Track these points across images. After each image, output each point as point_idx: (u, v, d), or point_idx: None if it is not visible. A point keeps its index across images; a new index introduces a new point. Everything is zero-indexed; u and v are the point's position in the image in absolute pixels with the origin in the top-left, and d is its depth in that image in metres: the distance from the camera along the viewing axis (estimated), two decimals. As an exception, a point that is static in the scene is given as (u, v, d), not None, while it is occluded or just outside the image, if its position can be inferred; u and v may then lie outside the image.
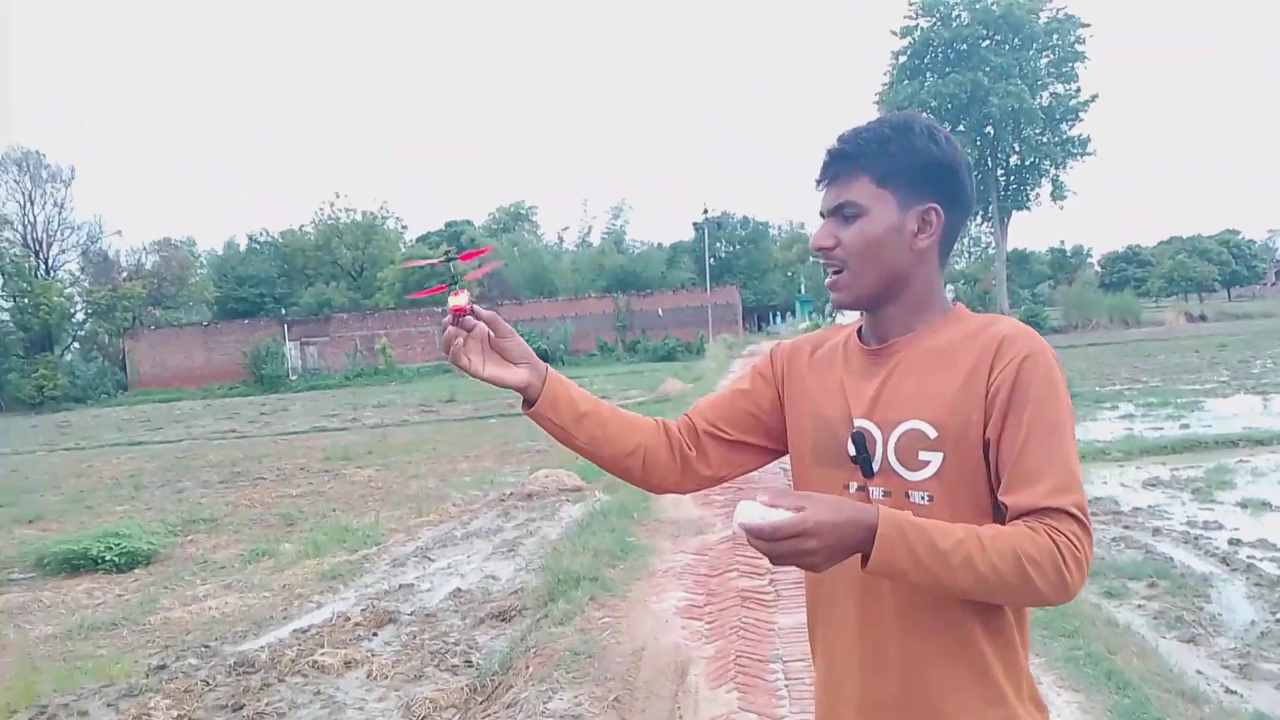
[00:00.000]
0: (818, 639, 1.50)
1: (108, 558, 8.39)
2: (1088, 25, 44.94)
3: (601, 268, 53.99)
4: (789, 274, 65.47)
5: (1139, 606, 5.39)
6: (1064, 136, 45.95)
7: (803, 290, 61.99)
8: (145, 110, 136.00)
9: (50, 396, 41.73)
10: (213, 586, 7.56)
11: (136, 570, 8.40)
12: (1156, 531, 6.92)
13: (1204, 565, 6.08)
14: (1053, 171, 46.58)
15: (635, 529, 7.36)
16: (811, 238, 1.44)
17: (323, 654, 5.12)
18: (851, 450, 1.38)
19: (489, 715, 4.12)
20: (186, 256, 61.02)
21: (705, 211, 53.01)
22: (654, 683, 4.23)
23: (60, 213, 51.78)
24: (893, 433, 1.35)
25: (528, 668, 4.48)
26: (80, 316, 50.86)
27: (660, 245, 62.22)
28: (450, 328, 1.44)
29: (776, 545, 1.14)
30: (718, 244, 61.06)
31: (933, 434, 1.31)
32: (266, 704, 4.56)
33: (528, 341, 1.52)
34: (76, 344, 50.55)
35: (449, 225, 63.40)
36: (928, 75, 45.83)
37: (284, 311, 52.35)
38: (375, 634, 5.53)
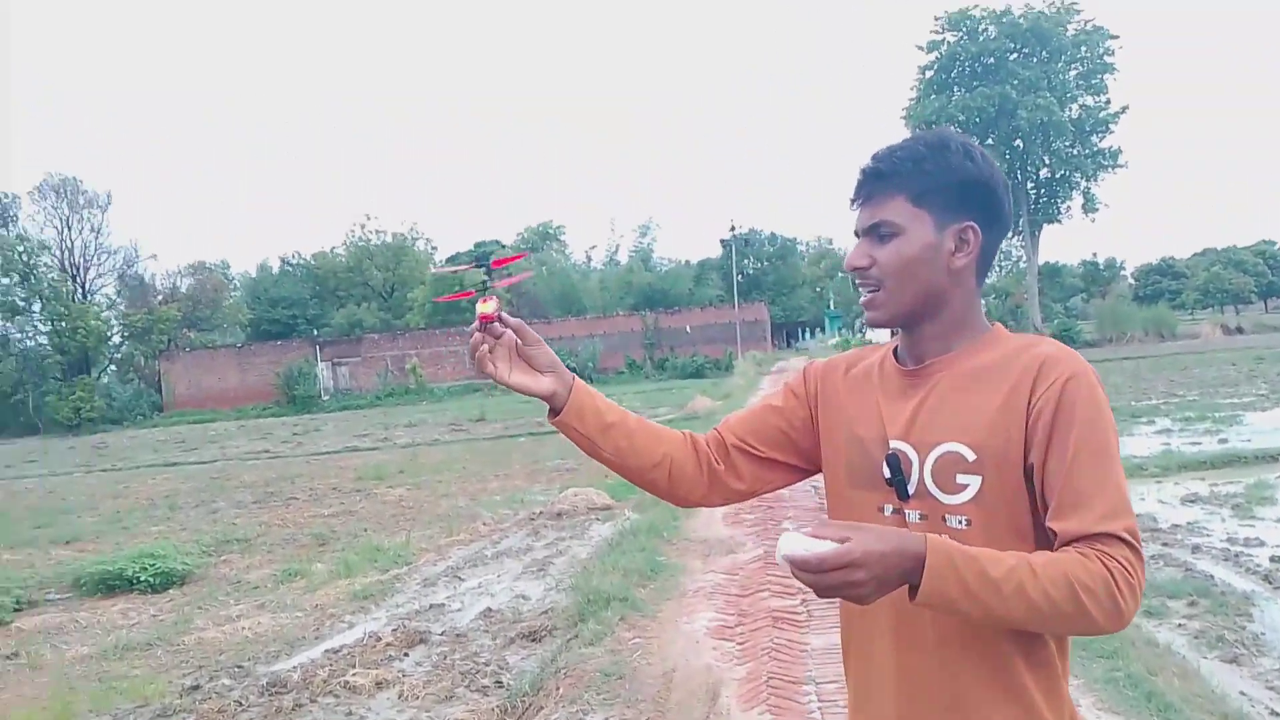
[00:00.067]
0: (851, 667, 1.47)
1: (143, 578, 8.51)
2: (1116, 37, 44.68)
3: (629, 285, 54.15)
4: (817, 290, 65.35)
5: (1179, 626, 5.28)
6: (1094, 149, 45.51)
7: (832, 306, 61.83)
8: (180, 135, 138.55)
9: (87, 418, 42.34)
10: (246, 606, 7.63)
11: (171, 590, 8.50)
12: (1196, 549, 6.79)
13: (1245, 583, 5.96)
14: (1084, 184, 46.10)
15: (665, 548, 7.33)
16: (846, 257, 1.42)
17: (354, 674, 5.13)
18: (886, 472, 1.35)
19: (520, 737, 4.11)
20: (220, 279, 61.95)
21: (733, 228, 52.84)
22: (685, 705, 4.19)
23: (97, 238, 52.69)
24: (929, 455, 1.32)
25: (558, 689, 4.47)
26: (117, 339, 51.56)
27: (688, 262, 62.37)
28: (477, 334, 1.43)
29: (823, 578, 1.11)
30: (746, 260, 61.09)
31: (971, 457, 1.28)
32: (299, 725, 4.58)
33: None
34: (113, 366, 51.22)
35: (478, 245, 63.82)
36: (955, 90, 45.65)
37: (316, 332, 52.99)
38: (406, 654, 5.54)
